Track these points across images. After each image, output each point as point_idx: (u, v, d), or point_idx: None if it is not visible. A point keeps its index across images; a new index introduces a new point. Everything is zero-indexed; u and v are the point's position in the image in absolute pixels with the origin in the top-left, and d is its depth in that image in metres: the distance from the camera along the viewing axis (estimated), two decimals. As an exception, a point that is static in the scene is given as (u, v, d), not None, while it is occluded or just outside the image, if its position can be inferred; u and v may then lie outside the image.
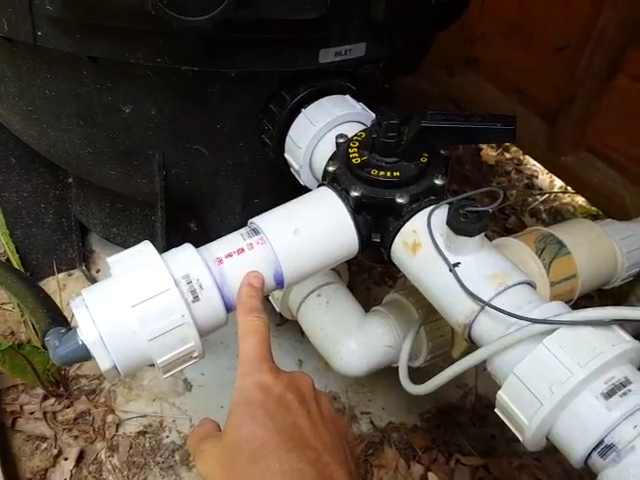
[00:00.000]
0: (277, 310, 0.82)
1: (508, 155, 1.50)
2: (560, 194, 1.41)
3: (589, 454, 0.42)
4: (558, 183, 1.42)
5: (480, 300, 0.47)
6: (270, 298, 0.81)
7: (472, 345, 0.51)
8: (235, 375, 0.46)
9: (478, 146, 1.51)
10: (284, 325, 1.03)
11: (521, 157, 1.50)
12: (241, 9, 0.49)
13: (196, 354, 0.50)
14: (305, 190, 0.65)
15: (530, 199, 1.38)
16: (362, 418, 0.92)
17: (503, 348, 0.46)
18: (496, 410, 0.48)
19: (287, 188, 0.78)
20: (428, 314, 0.69)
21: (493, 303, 0.47)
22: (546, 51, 1.33)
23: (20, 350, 0.72)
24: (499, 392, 0.47)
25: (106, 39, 0.56)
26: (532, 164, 1.48)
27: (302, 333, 1.03)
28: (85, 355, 0.48)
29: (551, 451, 0.90)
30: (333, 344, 0.71)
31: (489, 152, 1.50)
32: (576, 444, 0.43)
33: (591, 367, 0.42)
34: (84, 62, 0.59)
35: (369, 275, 1.14)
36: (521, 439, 0.47)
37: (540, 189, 1.43)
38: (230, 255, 0.52)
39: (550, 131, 1.33)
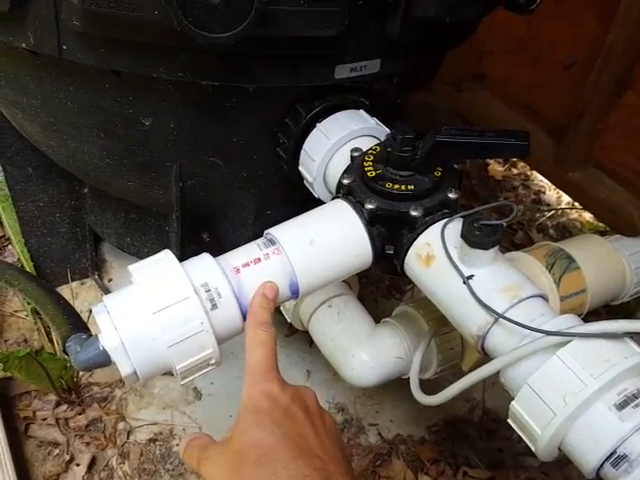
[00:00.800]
0: (288, 320, 0.82)
1: (515, 170, 1.52)
2: (567, 210, 1.42)
3: (601, 464, 0.43)
4: (565, 199, 1.43)
5: (494, 312, 0.48)
6: (281, 308, 0.82)
7: (485, 357, 0.52)
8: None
9: (485, 161, 1.52)
10: (293, 336, 1.04)
11: (528, 172, 1.51)
12: (262, 26, 0.50)
13: (213, 361, 0.51)
14: (318, 202, 0.66)
15: (537, 215, 1.39)
16: (370, 430, 0.92)
17: (517, 359, 0.47)
18: (509, 420, 0.49)
19: (299, 200, 0.79)
20: (438, 326, 0.70)
21: (507, 315, 0.48)
22: (554, 68, 1.35)
23: (37, 357, 0.73)
24: (512, 403, 0.48)
25: (130, 54, 0.57)
26: (539, 180, 1.49)
27: (310, 344, 1.04)
28: (106, 361, 0.49)
29: (559, 466, 0.91)
30: (343, 354, 0.72)
31: (496, 167, 1.51)
32: (589, 454, 0.43)
33: (604, 379, 0.43)
34: (107, 75, 0.60)
35: (377, 288, 1.15)
36: (534, 449, 0.47)
37: (547, 205, 1.44)
38: (247, 265, 0.53)
39: (558, 147, 1.34)
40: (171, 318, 0.48)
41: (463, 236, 0.50)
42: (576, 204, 1.37)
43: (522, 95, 1.43)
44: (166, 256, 0.52)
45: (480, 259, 0.50)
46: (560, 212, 1.42)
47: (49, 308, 0.58)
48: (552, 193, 1.47)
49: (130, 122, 0.65)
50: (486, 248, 0.49)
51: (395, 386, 0.92)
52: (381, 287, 1.14)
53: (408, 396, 0.97)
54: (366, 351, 0.71)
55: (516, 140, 0.53)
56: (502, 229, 0.50)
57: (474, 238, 0.49)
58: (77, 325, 0.53)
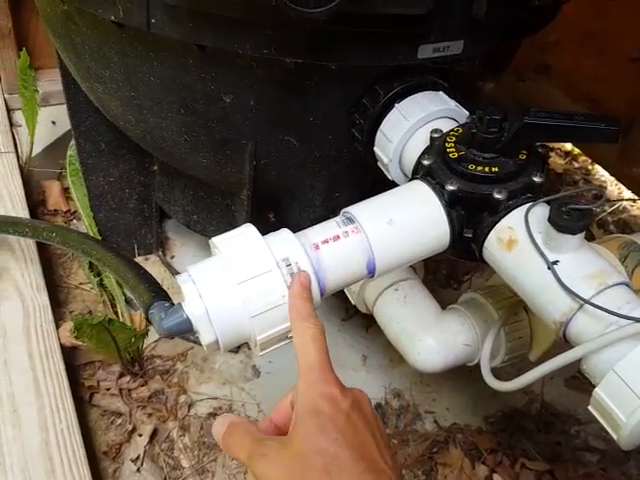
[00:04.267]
0: (352, 302, 0.83)
1: (576, 164, 1.48)
2: (628, 206, 1.39)
3: (691, 455, 0.42)
4: (626, 195, 1.40)
5: (580, 298, 0.47)
6: (346, 291, 0.82)
7: (565, 344, 0.51)
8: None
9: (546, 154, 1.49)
10: (349, 320, 1.05)
11: (589, 167, 1.48)
12: (355, 3, 0.50)
13: (291, 334, 0.51)
14: (388, 185, 0.66)
15: (598, 209, 1.36)
16: (426, 417, 0.92)
17: (603, 346, 0.46)
18: (589, 408, 0.48)
19: (368, 183, 0.79)
20: (508, 315, 0.70)
21: (593, 302, 0.47)
22: (621, 60, 1.31)
23: (109, 326, 0.75)
24: (596, 390, 0.47)
25: (217, 29, 0.58)
26: (600, 174, 1.46)
27: (367, 329, 1.04)
28: (188, 328, 0.49)
29: (618, 462, 0.90)
30: (410, 339, 0.72)
31: (557, 160, 1.48)
32: (678, 445, 0.42)
33: (699, 368, 0.42)
34: (191, 50, 0.61)
35: (434, 277, 1.14)
36: (615, 437, 0.46)
37: (608, 200, 1.41)
38: (326, 241, 0.53)
39: (622, 141, 1.31)
40: (255, 289, 0.48)
41: (551, 220, 0.49)
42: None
43: (586, 87, 1.40)
44: (248, 229, 0.52)
45: (566, 244, 0.49)
46: (621, 208, 1.38)
47: (129, 277, 0.59)
48: (613, 189, 1.44)
49: (211, 98, 0.66)
50: (574, 233, 0.48)
51: (452, 375, 0.92)
52: (439, 276, 1.13)
53: (465, 385, 0.97)
54: (433, 336, 0.70)
55: (606, 125, 0.52)
56: (591, 214, 0.49)
57: (562, 222, 0.48)
58: (159, 293, 0.54)
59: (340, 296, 0.87)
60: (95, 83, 0.74)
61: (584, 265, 0.50)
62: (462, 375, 0.92)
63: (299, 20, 0.50)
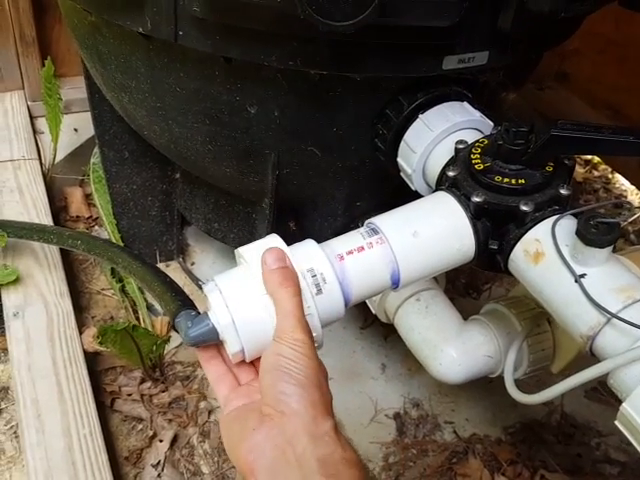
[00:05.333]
0: (373, 311, 0.83)
1: (596, 173, 1.47)
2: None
3: None
4: (647, 204, 1.39)
5: (608, 312, 0.47)
6: (367, 300, 0.82)
7: (592, 357, 0.51)
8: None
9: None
10: (368, 329, 1.05)
11: (609, 175, 1.47)
12: (382, 15, 0.50)
13: (317, 344, 0.51)
14: (409, 195, 0.66)
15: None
16: (445, 427, 0.92)
17: (631, 361, 0.46)
18: (616, 422, 0.48)
19: (389, 193, 0.79)
20: (531, 327, 0.69)
21: (620, 316, 0.47)
22: (642, 69, 1.31)
23: (133, 332, 0.76)
24: (623, 404, 0.46)
25: (244, 41, 0.58)
26: (621, 183, 1.45)
27: (386, 338, 1.04)
28: (215, 337, 0.50)
29: (638, 475, 0.89)
30: (432, 349, 0.72)
31: (577, 169, 1.47)
32: None
33: None
34: (218, 62, 0.62)
35: (453, 286, 1.14)
36: (644, 454, 0.46)
37: (629, 209, 1.40)
38: (351, 252, 0.53)
39: (644, 150, 1.30)
40: (280, 300, 0.48)
41: (578, 233, 0.49)
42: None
43: (607, 96, 1.39)
44: (274, 240, 0.53)
45: (594, 258, 0.49)
46: (641, 217, 1.37)
47: (156, 285, 0.60)
48: (634, 198, 1.43)
49: (236, 109, 0.67)
50: (602, 246, 0.48)
51: (471, 385, 0.91)
52: (457, 286, 1.13)
53: (484, 396, 0.96)
54: (455, 347, 0.70)
55: (634, 137, 0.52)
56: (619, 228, 0.48)
57: (590, 236, 0.48)
58: (185, 302, 0.55)
59: (359, 304, 0.87)
60: (121, 93, 0.75)
61: (612, 279, 0.50)
62: (481, 385, 0.92)
63: (326, 33, 0.50)
